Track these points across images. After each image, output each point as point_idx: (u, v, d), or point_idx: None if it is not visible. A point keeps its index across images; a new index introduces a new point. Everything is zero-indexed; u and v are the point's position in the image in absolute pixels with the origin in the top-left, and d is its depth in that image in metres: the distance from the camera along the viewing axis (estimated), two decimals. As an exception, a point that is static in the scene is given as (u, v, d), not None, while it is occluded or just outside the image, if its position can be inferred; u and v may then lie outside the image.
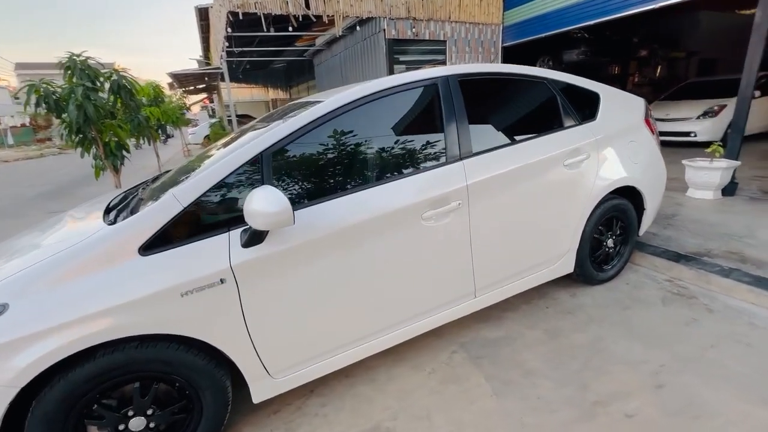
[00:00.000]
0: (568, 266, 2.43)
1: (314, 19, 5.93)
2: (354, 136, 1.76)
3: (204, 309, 1.41)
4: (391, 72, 6.64)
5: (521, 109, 2.32)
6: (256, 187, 1.47)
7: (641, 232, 2.78)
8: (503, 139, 2.11)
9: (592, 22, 6.21)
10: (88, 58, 4.87)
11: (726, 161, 4.07)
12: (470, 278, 2.01)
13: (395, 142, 1.86)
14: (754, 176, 4.84)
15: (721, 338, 2.03)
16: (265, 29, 7.02)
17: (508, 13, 7.34)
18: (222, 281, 1.42)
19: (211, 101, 31.09)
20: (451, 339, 2.20)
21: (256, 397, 1.62)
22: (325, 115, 1.67)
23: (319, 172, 1.69)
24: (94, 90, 4.85)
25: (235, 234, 1.46)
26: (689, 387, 1.73)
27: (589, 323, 2.24)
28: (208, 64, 18.00)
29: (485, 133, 2.06)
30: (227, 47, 7.35)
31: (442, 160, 1.88)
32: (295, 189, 1.61)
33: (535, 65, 7.76)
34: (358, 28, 6.79)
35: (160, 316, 1.35)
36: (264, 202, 1.32)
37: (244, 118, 18.63)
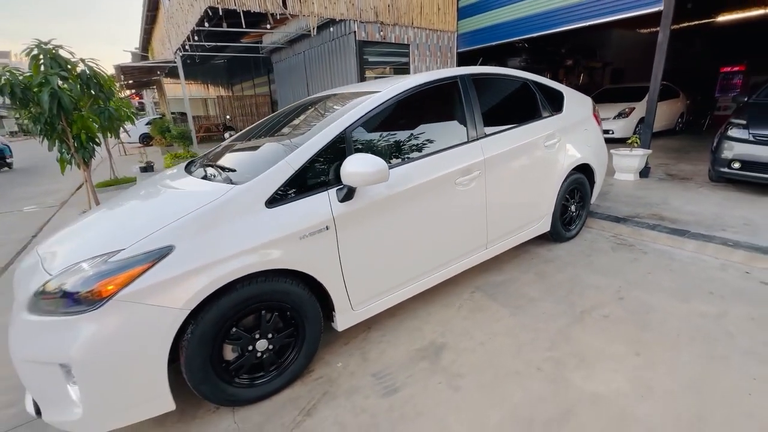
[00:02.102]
0: (546, 226, 3.12)
1: (290, 17, 6.15)
2: (408, 117, 2.25)
3: (314, 250, 1.80)
4: (361, 71, 7.10)
5: (513, 102, 2.95)
6: (344, 155, 1.90)
7: (592, 200, 3.59)
8: (502, 124, 2.71)
9: (533, 35, 7.22)
10: (57, 46, 4.66)
11: (642, 150, 5.17)
12: (484, 232, 2.58)
13: (434, 124, 2.38)
14: (659, 163, 6.11)
15: (654, 268, 2.85)
16: (225, 25, 7.05)
17: (461, 22, 8.19)
18: (327, 228, 1.82)
19: (141, 97, 28.73)
20: (467, 284, 2.76)
21: (341, 326, 2.02)
22: (387, 100, 2.12)
23: (387, 144, 2.15)
24: (66, 79, 4.66)
25: (332, 192, 1.86)
26: (639, 297, 2.47)
27: (565, 266, 2.95)
28: (145, 57, 16.85)
29: (490, 119, 2.64)
30: (196, 41, 7.23)
31: (465, 139, 2.43)
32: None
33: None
34: (331, 29, 7.14)
35: (285, 255, 1.71)
36: (363, 165, 1.75)
37: (183, 116, 17.66)
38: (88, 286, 1.41)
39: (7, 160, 11.51)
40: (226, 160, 2.26)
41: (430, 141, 2.30)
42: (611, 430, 1.53)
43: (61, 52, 4.70)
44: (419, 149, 2.24)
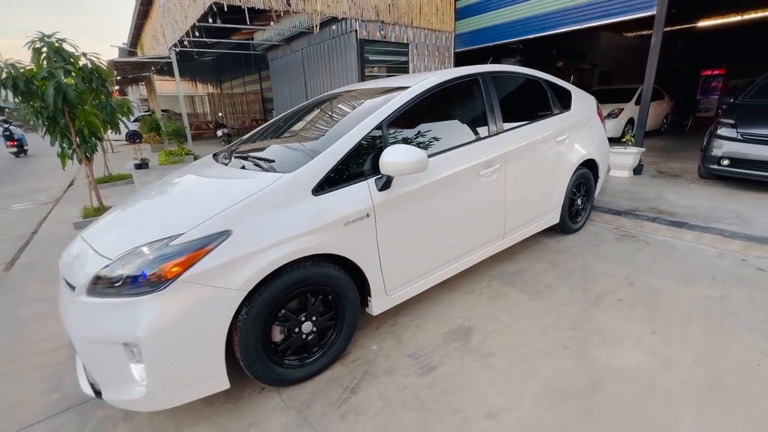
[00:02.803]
0: (555, 218, 3.27)
1: (293, 13, 6.17)
2: (436, 111, 2.35)
3: (355, 236, 1.89)
4: (362, 69, 7.17)
5: (528, 99, 3.09)
6: (380, 146, 1.99)
7: (596, 194, 3.77)
8: (519, 120, 2.83)
9: (529, 37, 7.42)
10: (60, 40, 4.61)
11: (636, 148, 5.41)
12: (503, 223, 2.71)
13: (459, 118, 2.49)
14: (650, 161, 6.38)
15: (658, 257, 3.03)
16: (215, 21, 7.00)
17: (458, 23, 8.34)
18: (368, 215, 1.91)
19: (123, 93, 28.08)
20: (484, 273, 2.89)
21: (376, 310, 2.11)
22: (417, 95, 2.22)
23: (417, 136, 2.24)
24: (70, 73, 4.61)
25: (371, 182, 1.95)
26: (648, 283, 2.63)
27: (575, 256, 3.10)
28: (133, 52, 16.51)
29: (507, 115, 2.76)
30: (197, 37, 7.16)
31: (487, 133, 2.55)
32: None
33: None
34: (333, 26, 7.19)
35: (331, 240, 1.79)
36: (404, 155, 1.85)
37: (177, 115, 17.38)
38: (153, 268, 1.47)
39: (24, 148, 14.05)
40: (262, 152, 2.32)
41: (456, 134, 2.42)
42: (639, 398, 1.67)
43: (65, 46, 4.64)
44: (446, 142, 2.34)
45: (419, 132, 2.28)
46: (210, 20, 6.11)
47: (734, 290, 2.50)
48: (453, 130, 2.43)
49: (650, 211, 3.85)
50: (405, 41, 7.70)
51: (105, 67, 5.20)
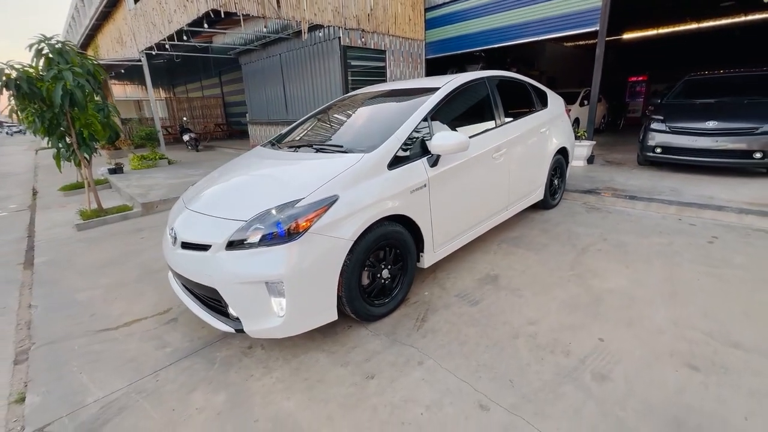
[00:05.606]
0: (540, 195, 4.03)
1: (284, 20, 6.50)
2: (458, 106, 2.97)
3: (417, 202, 2.43)
4: (345, 73, 7.67)
5: (517, 98, 3.81)
6: (427, 132, 2.56)
7: (567, 176, 4.60)
8: (514, 115, 3.53)
9: (491, 47, 8.35)
10: (63, 42, 4.66)
11: (589, 142, 6.43)
12: (507, 196, 3.38)
13: (475, 112, 3.12)
14: (597, 154, 7.50)
15: (619, 221, 3.87)
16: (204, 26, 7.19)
17: (428, 32, 9.12)
18: (424, 186, 2.46)
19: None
20: (492, 239, 3.54)
21: (427, 263, 2.66)
22: (448, 93, 2.83)
23: (453, 125, 2.84)
24: (78, 75, 4.67)
25: (424, 160, 2.51)
26: (617, 238, 3.44)
27: (559, 224, 3.87)
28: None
29: (507, 111, 3.44)
30: (185, 40, 7.20)
31: (494, 125, 3.20)
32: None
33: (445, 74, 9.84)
34: (319, 33, 7.61)
35: (402, 204, 2.32)
36: (451, 138, 2.43)
37: (132, 121, 16.65)
38: (288, 223, 1.92)
39: None
40: (328, 139, 2.80)
41: (475, 124, 3.05)
42: (626, 305, 2.38)
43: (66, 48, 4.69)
44: (470, 130, 2.96)
45: (449, 122, 2.88)
46: (206, 25, 6.31)
47: (676, 239, 3.36)
48: (472, 121, 3.06)
49: (607, 189, 4.77)
50: (382, 48, 8.33)
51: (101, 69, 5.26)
